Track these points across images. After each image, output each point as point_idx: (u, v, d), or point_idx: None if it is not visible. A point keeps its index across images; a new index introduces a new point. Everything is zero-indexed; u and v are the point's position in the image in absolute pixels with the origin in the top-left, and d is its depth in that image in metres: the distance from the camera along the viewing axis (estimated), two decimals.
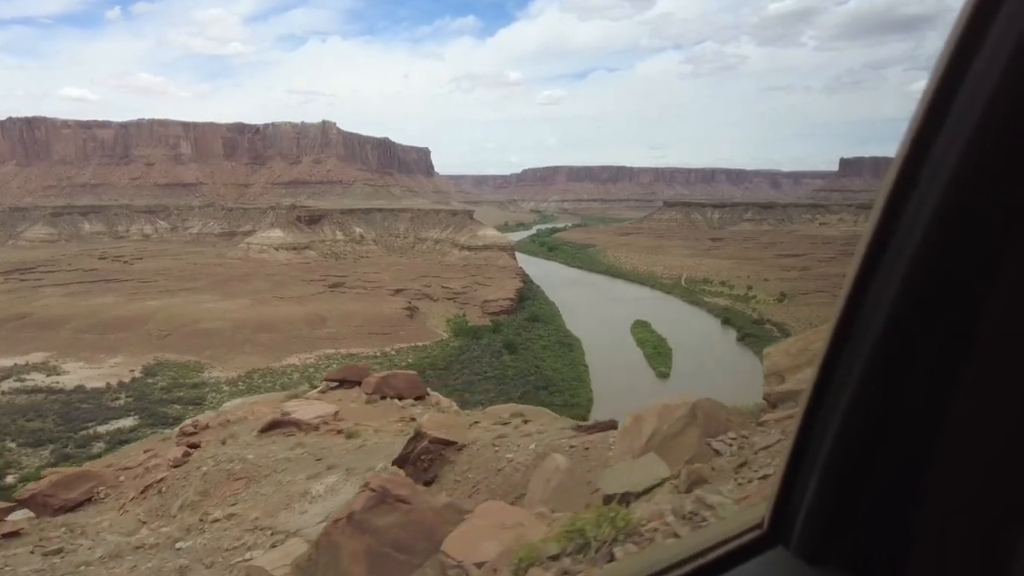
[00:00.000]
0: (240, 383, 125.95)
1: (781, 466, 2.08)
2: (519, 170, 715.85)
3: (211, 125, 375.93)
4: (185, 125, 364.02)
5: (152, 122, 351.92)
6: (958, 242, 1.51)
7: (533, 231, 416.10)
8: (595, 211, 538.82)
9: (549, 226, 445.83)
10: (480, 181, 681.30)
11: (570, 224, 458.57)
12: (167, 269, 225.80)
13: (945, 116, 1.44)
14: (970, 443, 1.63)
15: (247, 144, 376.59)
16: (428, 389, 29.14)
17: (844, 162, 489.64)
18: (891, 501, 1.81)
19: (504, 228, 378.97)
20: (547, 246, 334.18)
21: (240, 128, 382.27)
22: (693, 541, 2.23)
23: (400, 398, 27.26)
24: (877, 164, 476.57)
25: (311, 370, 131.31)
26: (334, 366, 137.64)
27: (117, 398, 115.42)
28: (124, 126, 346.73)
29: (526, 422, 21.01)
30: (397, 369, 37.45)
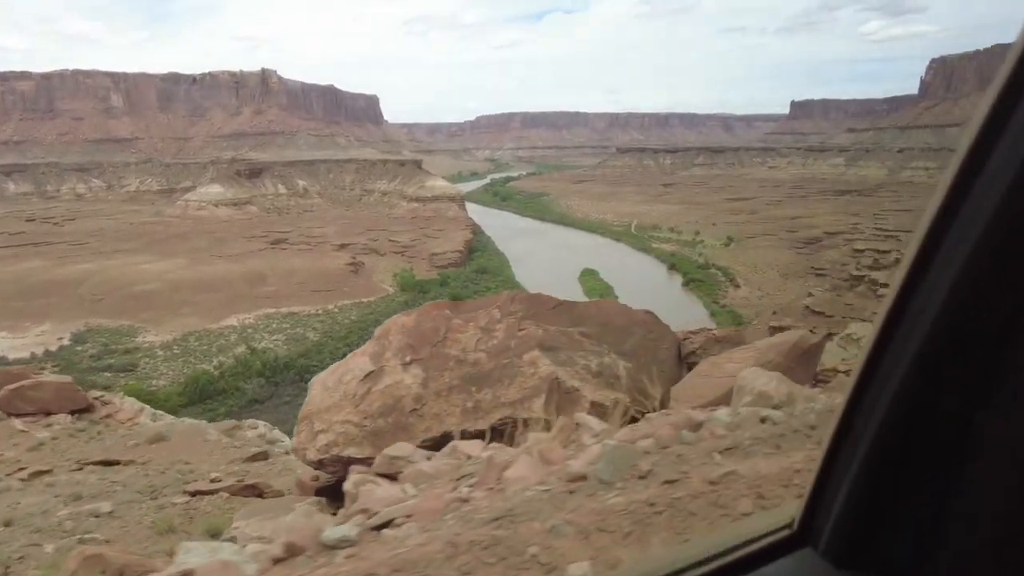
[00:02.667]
0: (175, 347, 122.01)
1: (816, 466, 2.04)
2: (474, 117, 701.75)
3: (143, 76, 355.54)
4: (114, 76, 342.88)
5: (77, 73, 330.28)
6: (1014, 248, 1.45)
7: (487, 180, 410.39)
8: (550, 158, 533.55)
9: (503, 175, 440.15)
10: (434, 129, 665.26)
11: (524, 172, 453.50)
12: (101, 230, 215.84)
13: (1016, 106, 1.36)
14: (1006, 460, 1.63)
15: (184, 95, 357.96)
16: (116, 396, 24.21)
17: (795, 104, 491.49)
18: (924, 510, 1.80)
19: (457, 178, 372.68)
20: (500, 195, 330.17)
21: (175, 78, 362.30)
22: (721, 538, 2.19)
23: (48, 413, 21.67)
24: (827, 106, 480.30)
25: (250, 330, 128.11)
26: (274, 325, 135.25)
27: (42, 368, 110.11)
28: (46, 77, 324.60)
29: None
30: (41, 374, 26.17)
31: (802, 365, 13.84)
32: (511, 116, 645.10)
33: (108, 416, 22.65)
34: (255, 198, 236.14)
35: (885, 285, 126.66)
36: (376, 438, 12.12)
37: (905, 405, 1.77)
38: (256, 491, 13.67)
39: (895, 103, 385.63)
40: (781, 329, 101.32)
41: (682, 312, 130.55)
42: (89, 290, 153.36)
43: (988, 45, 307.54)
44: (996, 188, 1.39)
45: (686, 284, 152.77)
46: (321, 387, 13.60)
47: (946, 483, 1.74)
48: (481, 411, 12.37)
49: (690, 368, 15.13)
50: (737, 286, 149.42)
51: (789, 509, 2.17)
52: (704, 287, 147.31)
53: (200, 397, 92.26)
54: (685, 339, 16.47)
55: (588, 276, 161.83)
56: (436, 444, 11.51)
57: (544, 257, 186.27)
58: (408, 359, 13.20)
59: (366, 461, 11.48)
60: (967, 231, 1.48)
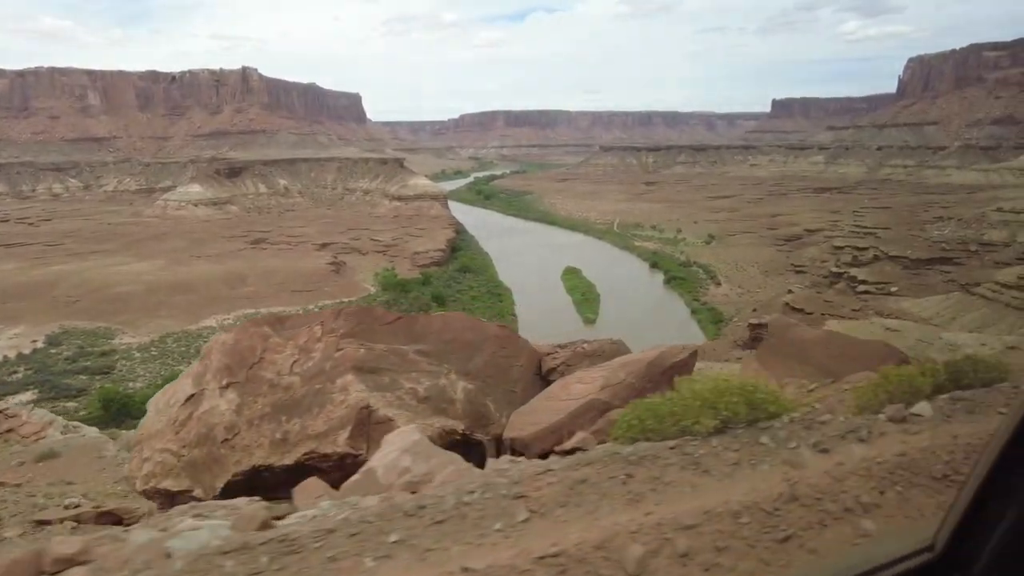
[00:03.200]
0: (153, 348, 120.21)
1: (970, 488, 1.83)
2: (458, 115, 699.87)
3: (121, 74, 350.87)
4: (91, 74, 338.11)
5: (52, 70, 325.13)
6: None
7: (470, 179, 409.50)
8: (534, 157, 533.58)
9: (487, 173, 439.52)
10: (417, 127, 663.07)
11: (508, 171, 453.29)
12: (77, 230, 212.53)
13: None
14: None
15: (163, 94, 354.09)
16: (24, 408, 22.45)
17: (776, 103, 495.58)
18: None
19: (440, 176, 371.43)
20: (483, 194, 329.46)
21: (154, 77, 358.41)
22: (851, 560, 2.05)
23: None
24: (807, 105, 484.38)
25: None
26: None
27: (15, 371, 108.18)
28: (20, 75, 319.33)
29: None
30: None
31: (661, 387, 11.79)
32: (495, 115, 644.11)
33: (9, 431, 20.79)
34: (235, 197, 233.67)
35: (864, 282, 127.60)
36: (193, 470, 10.79)
37: None
38: (114, 518, 11.71)
39: (874, 102, 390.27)
40: (761, 327, 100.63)
41: (663, 310, 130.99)
42: (65, 292, 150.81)
43: (963, 45, 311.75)
44: None
45: (668, 282, 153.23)
46: (154, 409, 12.26)
47: None
48: (289, 444, 10.77)
49: None
50: (718, 283, 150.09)
51: (919, 529, 2.03)
52: (685, 285, 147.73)
53: None
54: (548, 354, 14.89)
55: (570, 274, 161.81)
56: (246, 480, 10.23)
57: (527, 255, 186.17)
58: (225, 382, 11.48)
59: (185, 495, 10.23)
60: None
